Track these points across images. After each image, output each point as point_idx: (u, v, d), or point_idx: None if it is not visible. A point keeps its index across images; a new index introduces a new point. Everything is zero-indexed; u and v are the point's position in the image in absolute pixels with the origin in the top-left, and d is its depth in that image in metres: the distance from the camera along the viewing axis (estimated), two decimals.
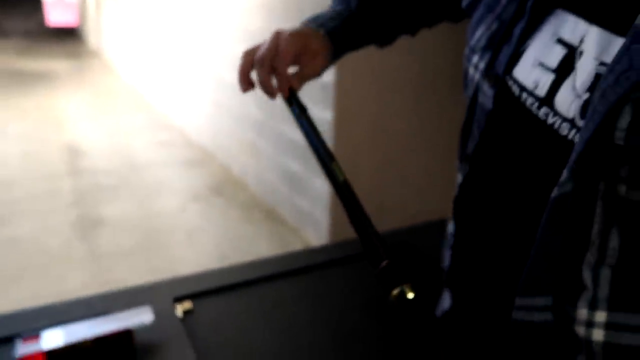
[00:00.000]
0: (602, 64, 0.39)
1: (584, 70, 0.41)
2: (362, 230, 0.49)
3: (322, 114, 2.26)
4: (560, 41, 0.44)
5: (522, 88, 0.47)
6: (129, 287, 0.95)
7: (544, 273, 0.42)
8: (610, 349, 0.39)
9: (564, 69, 0.43)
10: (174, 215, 3.00)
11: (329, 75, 2.17)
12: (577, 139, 0.40)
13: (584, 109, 0.40)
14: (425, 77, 2.37)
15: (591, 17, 0.42)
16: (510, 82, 0.49)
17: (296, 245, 2.63)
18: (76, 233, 2.75)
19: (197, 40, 3.81)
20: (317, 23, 0.71)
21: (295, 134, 2.51)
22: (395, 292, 0.42)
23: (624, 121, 0.35)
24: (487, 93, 0.52)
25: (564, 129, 0.42)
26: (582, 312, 0.41)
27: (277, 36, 0.67)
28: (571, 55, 0.43)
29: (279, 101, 0.69)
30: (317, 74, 0.71)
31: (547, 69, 0.45)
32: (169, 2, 4.36)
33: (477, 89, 0.54)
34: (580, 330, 0.41)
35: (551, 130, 0.43)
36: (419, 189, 2.50)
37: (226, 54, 3.29)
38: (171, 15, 4.34)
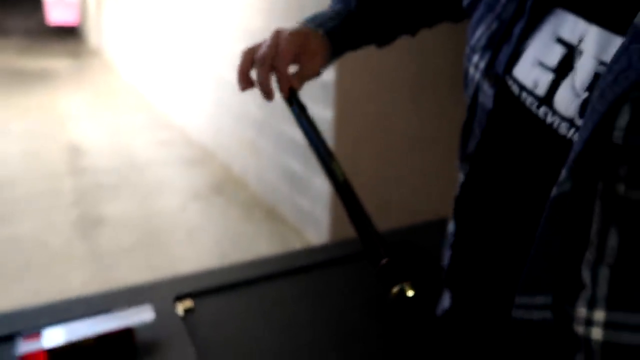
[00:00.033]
0: (601, 63, 0.39)
1: (584, 70, 0.41)
2: (362, 229, 0.49)
3: (322, 113, 2.26)
4: (560, 40, 0.44)
5: (522, 87, 0.47)
6: (129, 285, 0.96)
7: (543, 272, 0.42)
8: (609, 347, 0.40)
9: (564, 69, 0.43)
10: (175, 214, 3.00)
11: (329, 75, 2.17)
12: (576, 138, 0.40)
13: (583, 108, 0.40)
14: (426, 76, 2.37)
15: (590, 17, 0.42)
16: (510, 82, 0.49)
17: (296, 245, 2.63)
18: (77, 232, 2.75)
19: (197, 39, 3.81)
20: (316, 23, 0.71)
21: (296, 133, 2.51)
22: (395, 290, 0.42)
23: (623, 120, 0.35)
24: (487, 93, 0.52)
25: (563, 129, 0.42)
26: (581, 311, 0.41)
27: (277, 35, 0.66)
28: (570, 54, 0.43)
29: (279, 100, 0.69)
30: (317, 73, 0.71)
31: (547, 68, 0.45)
32: (170, 2, 4.36)
33: (478, 89, 0.54)
34: (579, 328, 0.41)
35: (550, 129, 0.43)
36: (419, 188, 2.50)
37: (227, 53, 3.29)
38: (172, 14, 4.35)
